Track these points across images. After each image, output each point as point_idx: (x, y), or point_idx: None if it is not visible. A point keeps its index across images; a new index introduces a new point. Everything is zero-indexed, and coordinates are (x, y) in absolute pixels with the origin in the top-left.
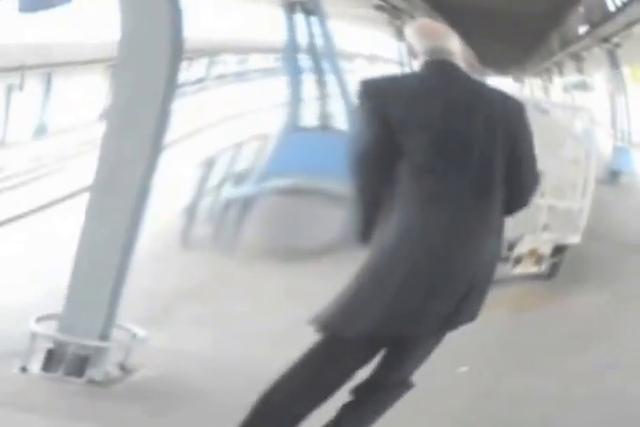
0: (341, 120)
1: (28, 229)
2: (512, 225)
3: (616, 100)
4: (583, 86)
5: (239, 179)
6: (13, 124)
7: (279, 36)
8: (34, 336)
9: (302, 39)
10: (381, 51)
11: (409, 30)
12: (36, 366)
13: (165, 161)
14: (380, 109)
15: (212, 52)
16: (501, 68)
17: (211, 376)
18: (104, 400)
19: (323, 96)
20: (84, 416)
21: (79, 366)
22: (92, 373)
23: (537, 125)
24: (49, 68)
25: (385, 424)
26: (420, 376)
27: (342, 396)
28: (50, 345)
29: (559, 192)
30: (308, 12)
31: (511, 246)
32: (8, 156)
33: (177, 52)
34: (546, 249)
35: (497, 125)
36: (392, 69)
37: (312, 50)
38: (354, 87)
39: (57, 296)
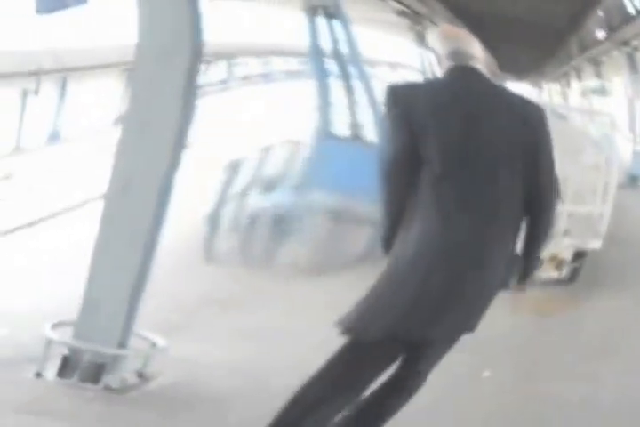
0: (371, 129)
1: (42, 235)
2: None
3: (635, 104)
4: (602, 91)
5: (268, 186)
6: (28, 130)
7: (301, 39)
8: (49, 343)
9: (326, 43)
10: (402, 56)
11: (433, 35)
12: (51, 372)
13: (186, 164)
14: (405, 116)
15: (231, 55)
16: (520, 73)
17: (229, 385)
18: (120, 407)
19: (351, 102)
20: (99, 423)
21: (95, 372)
22: (109, 379)
23: (556, 131)
24: (64, 72)
25: None
26: (443, 382)
27: None
28: (65, 351)
29: (579, 198)
30: (331, 16)
31: None
32: (22, 161)
33: (197, 54)
34: (566, 254)
35: (517, 133)
36: (413, 75)
37: (337, 55)
38: (380, 94)
39: (72, 303)
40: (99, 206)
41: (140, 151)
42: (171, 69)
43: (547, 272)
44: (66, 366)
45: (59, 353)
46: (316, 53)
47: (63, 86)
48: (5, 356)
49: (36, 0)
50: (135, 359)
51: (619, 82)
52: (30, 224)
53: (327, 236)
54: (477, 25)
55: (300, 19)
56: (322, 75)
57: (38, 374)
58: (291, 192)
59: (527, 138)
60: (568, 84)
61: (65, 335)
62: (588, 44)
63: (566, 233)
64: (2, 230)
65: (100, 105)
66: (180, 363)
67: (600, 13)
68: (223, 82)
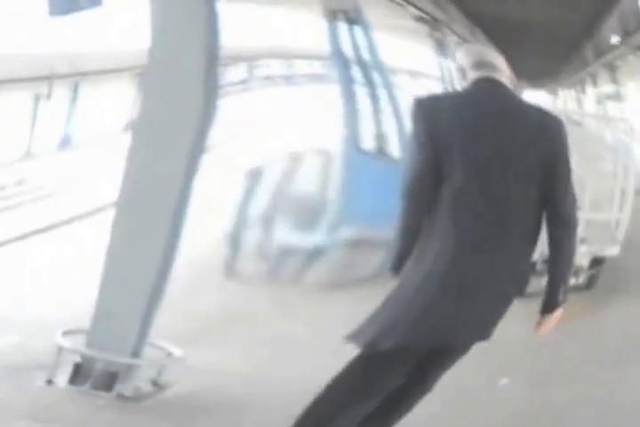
0: (395, 141)
1: (53, 242)
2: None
3: None
4: (617, 96)
5: (300, 223)
6: (40, 135)
7: (321, 43)
8: (60, 350)
9: (347, 49)
10: (421, 63)
11: (459, 52)
12: (62, 379)
13: (206, 169)
14: (430, 130)
15: (251, 58)
16: (535, 80)
17: (244, 394)
18: (132, 415)
19: (376, 111)
20: None
21: (108, 381)
22: (122, 388)
23: (572, 138)
24: (77, 76)
25: None
26: (460, 389)
27: None
28: (77, 359)
29: (597, 205)
30: (351, 21)
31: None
32: (33, 167)
33: (213, 58)
34: (584, 262)
35: (537, 146)
36: (432, 83)
37: (359, 61)
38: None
39: (84, 310)
40: (111, 213)
41: (154, 156)
42: (186, 72)
43: None
44: (78, 374)
45: (71, 361)
46: (338, 59)
47: (75, 91)
48: (16, 363)
49: (49, 2)
50: (150, 368)
51: (634, 87)
52: (42, 230)
53: (345, 258)
54: (493, 31)
55: (320, 23)
56: (346, 81)
57: (49, 382)
58: (323, 231)
59: (546, 151)
60: (583, 90)
61: (77, 343)
62: (603, 49)
63: (583, 240)
64: (13, 236)
65: (113, 110)
66: (195, 372)
67: (615, 18)
68: (244, 82)
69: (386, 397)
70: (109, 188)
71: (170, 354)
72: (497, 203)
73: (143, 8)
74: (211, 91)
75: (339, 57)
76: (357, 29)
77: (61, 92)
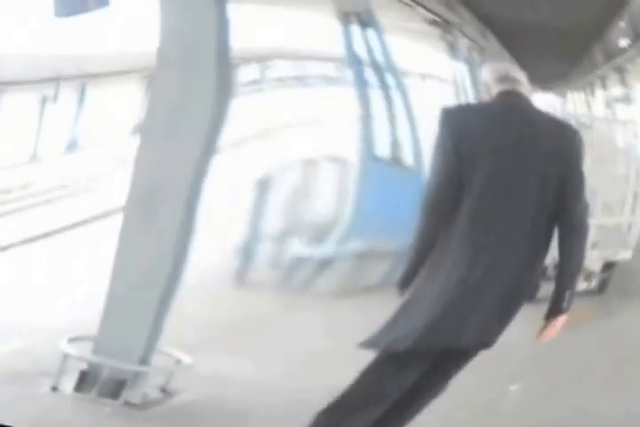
0: (409, 148)
1: (59, 246)
2: None
3: None
4: (626, 99)
5: (315, 236)
6: (46, 137)
7: (333, 45)
8: (65, 357)
9: (361, 51)
10: (432, 66)
11: (484, 68)
12: (68, 386)
13: (216, 172)
14: (456, 139)
15: (263, 59)
16: (545, 82)
17: (253, 402)
18: (140, 423)
19: (391, 116)
20: None
21: (115, 388)
22: (129, 395)
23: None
24: (84, 78)
25: None
26: (470, 395)
27: None
28: (83, 366)
29: (608, 209)
30: (364, 24)
31: None
32: (39, 170)
33: (224, 59)
34: (596, 266)
35: (554, 159)
36: (444, 86)
37: (374, 64)
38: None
39: (91, 316)
40: (120, 217)
41: (163, 159)
42: (197, 74)
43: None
44: (84, 381)
45: (77, 367)
46: (353, 62)
47: (82, 93)
48: (22, 370)
49: (55, 3)
50: (159, 375)
51: None
52: (48, 235)
53: (353, 267)
54: (504, 34)
55: (333, 25)
56: (361, 84)
57: (54, 389)
58: (333, 244)
59: (563, 161)
60: (592, 93)
61: (84, 350)
62: (612, 52)
63: (595, 245)
64: (18, 241)
65: (120, 112)
66: (204, 379)
67: (625, 20)
68: (255, 83)
69: (398, 398)
70: (117, 191)
71: (179, 361)
72: (514, 212)
73: (150, 9)
74: (222, 93)
75: (353, 59)
76: (370, 32)
77: (68, 94)
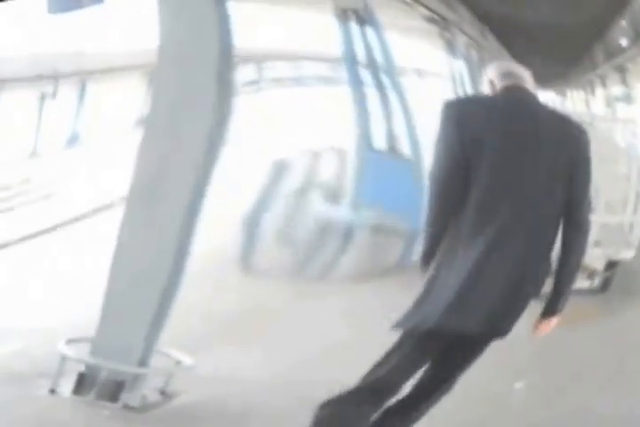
0: (406, 142)
1: (57, 243)
2: None
3: None
4: (627, 98)
5: (330, 196)
6: (46, 134)
7: (333, 44)
8: (63, 359)
9: (359, 49)
10: (431, 63)
11: (488, 67)
12: (66, 388)
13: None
14: (460, 130)
15: (261, 58)
16: (544, 80)
17: (257, 403)
18: (139, 426)
19: (387, 112)
20: None
21: (113, 390)
22: (128, 398)
23: None
24: (83, 75)
25: None
26: (473, 394)
27: None
28: (81, 368)
29: (610, 208)
30: (362, 21)
31: None
32: (39, 166)
33: (226, 55)
34: (598, 265)
35: (561, 153)
36: (442, 84)
37: (371, 62)
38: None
39: (91, 317)
40: (120, 213)
41: (166, 154)
42: (199, 71)
43: (578, 282)
44: (82, 384)
45: (75, 369)
46: (350, 59)
47: (83, 89)
48: (19, 371)
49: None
50: (158, 376)
51: None
52: (47, 232)
53: (371, 244)
54: (503, 32)
55: (331, 23)
56: (358, 82)
57: (52, 391)
58: (348, 208)
59: (570, 156)
60: (592, 92)
61: (82, 351)
62: (613, 51)
63: (598, 244)
64: (17, 238)
65: (121, 107)
66: (207, 379)
67: (626, 20)
68: (254, 83)
69: (407, 394)
70: (117, 188)
71: (179, 362)
72: (521, 202)
73: (149, 5)
74: (225, 90)
75: (351, 57)
76: (369, 29)
77: (68, 90)
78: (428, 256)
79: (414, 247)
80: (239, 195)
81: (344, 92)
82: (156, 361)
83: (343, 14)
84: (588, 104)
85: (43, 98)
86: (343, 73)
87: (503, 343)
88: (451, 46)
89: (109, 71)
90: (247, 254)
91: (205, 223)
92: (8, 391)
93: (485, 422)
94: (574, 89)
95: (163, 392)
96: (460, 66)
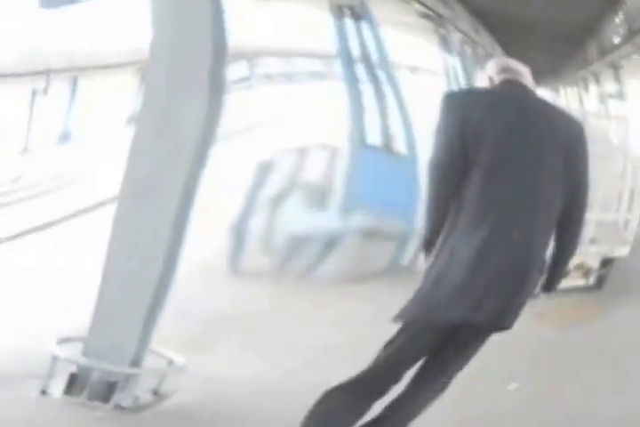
0: (401, 139)
1: (49, 241)
2: None
3: None
4: (620, 96)
5: (319, 197)
6: (37, 130)
7: (328, 40)
8: (54, 360)
9: (354, 45)
10: (425, 60)
11: (487, 64)
12: (57, 389)
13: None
14: (460, 124)
15: (253, 55)
16: (538, 77)
17: (249, 404)
18: None
19: (382, 109)
20: None
21: (105, 391)
22: (120, 398)
23: None
24: (75, 71)
25: None
26: (468, 394)
27: None
28: (73, 368)
29: (606, 205)
30: (358, 17)
31: None
32: (30, 163)
33: (220, 51)
34: (593, 262)
35: (560, 146)
36: (436, 80)
37: (366, 58)
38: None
39: (82, 316)
40: (112, 211)
41: (158, 152)
42: (191, 66)
43: (573, 280)
44: (73, 384)
45: (67, 370)
46: (345, 55)
47: (74, 85)
48: (10, 372)
49: None
50: (151, 377)
51: (637, 86)
52: (38, 229)
53: (358, 249)
54: (497, 29)
55: (327, 19)
56: (352, 78)
57: (43, 392)
58: (336, 214)
59: (568, 150)
60: (586, 89)
61: (74, 351)
62: (606, 48)
63: (593, 241)
64: (8, 236)
65: (113, 105)
66: (199, 380)
67: (620, 16)
68: (245, 80)
69: (405, 389)
70: (109, 185)
71: (171, 362)
72: (521, 192)
73: (142, 1)
74: (217, 86)
75: (346, 53)
76: (364, 26)
77: (59, 86)
78: (429, 244)
79: (406, 250)
80: (228, 196)
81: (337, 88)
82: (148, 362)
83: (339, 10)
84: (581, 101)
85: (34, 94)
86: (337, 69)
87: (497, 345)
88: (445, 42)
89: (102, 68)
90: (235, 258)
91: (195, 225)
92: None
93: (481, 423)
94: (567, 86)
95: (155, 393)
96: (454, 62)
